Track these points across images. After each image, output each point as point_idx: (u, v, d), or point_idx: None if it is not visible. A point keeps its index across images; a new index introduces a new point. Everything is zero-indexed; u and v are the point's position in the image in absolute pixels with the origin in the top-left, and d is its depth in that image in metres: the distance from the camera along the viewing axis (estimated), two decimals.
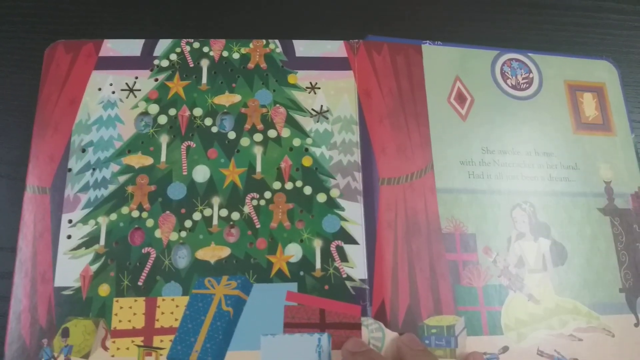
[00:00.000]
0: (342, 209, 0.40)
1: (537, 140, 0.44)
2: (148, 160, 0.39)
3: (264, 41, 0.44)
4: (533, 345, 0.38)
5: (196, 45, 0.43)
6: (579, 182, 0.43)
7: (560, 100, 0.46)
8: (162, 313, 0.36)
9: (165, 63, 0.42)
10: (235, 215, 0.39)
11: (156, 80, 0.41)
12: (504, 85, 0.45)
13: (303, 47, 0.44)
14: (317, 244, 0.39)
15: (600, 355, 0.39)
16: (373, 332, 0.37)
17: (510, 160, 0.43)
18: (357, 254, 0.39)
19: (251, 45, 0.44)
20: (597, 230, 0.42)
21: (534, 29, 0.50)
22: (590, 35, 0.51)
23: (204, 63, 0.43)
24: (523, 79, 0.46)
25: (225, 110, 0.42)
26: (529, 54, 0.47)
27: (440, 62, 0.45)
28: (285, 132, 0.41)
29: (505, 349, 0.38)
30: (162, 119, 0.41)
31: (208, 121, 0.41)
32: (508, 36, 0.49)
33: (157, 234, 0.38)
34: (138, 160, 0.39)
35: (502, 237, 0.41)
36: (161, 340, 0.36)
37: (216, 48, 0.43)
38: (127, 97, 0.41)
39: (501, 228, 0.41)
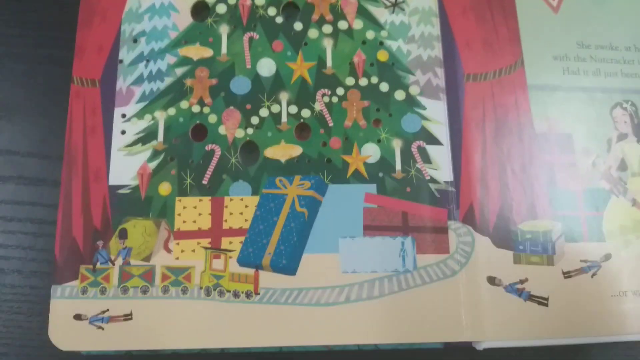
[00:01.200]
0: (424, 108, 0.37)
1: (637, 34, 0.41)
2: (207, 52, 0.37)
3: None
4: (638, 253, 0.36)
5: None
6: None
7: None
8: (231, 213, 0.35)
9: None
10: (306, 113, 0.37)
11: None
12: None
13: None
14: (397, 144, 0.36)
15: None
16: (462, 237, 0.35)
17: (608, 55, 0.40)
18: (441, 155, 0.36)
19: None
20: None
21: None
22: None
23: None
24: None
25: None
26: None
27: None
28: (358, 24, 0.39)
29: (608, 257, 0.36)
30: (221, 8, 0.38)
31: (272, 11, 0.39)
32: None
33: (222, 130, 0.36)
34: (196, 51, 0.37)
35: (602, 138, 0.38)
36: (230, 242, 0.34)
37: None
38: None
39: (600, 128, 0.38)
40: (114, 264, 0.33)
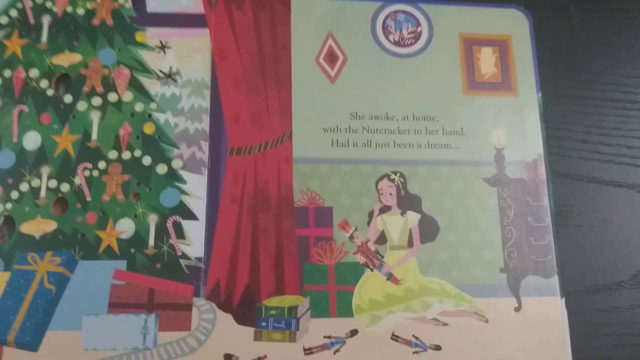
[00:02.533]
0: (184, 182, 0.40)
1: (417, 103, 0.44)
2: None
3: None
4: (388, 329, 0.39)
5: None
6: (463, 149, 0.43)
7: (452, 56, 0.46)
8: None
9: (4, 20, 0.43)
10: (65, 187, 0.40)
11: None
12: (384, 42, 0.45)
13: (155, 2, 0.44)
14: (153, 219, 0.40)
15: (469, 342, 0.39)
16: (204, 313, 0.38)
17: (382, 126, 0.43)
18: (195, 231, 0.40)
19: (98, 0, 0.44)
20: (479, 203, 0.42)
21: None
22: None
23: (46, 19, 0.44)
24: (409, 33, 0.45)
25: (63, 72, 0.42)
26: (420, 5, 0.46)
27: (312, 17, 0.45)
28: (128, 96, 0.42)
29: (354, 333, 0.38)
30: None
31: (44, 83, 0.42)
32: None
33: None
34: None
35: (364, 210, 0.41)
36: None
37: (60, 3, 0.44)
38: None
39: (363, 201, 0.41)
40: None
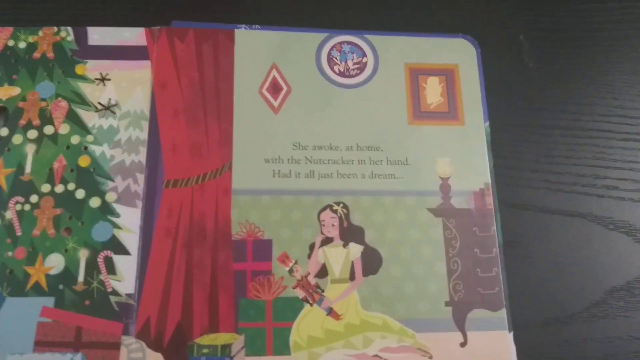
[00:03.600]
0: (117, 215, 0.39)
1: (362, 133, 0.44)
2: None
3: (55, 28, 0.44)
4: None
5: None
6: (407, 179, 0.43)
7: (398, 86, 0.45)
8: None
9: None
10: None
11: None
12: (329, 73, 0.45)
13: (98, 35, 0.44)
14: (83, 254, 0.39)
15: None
16: (133, 352, 0.36)
17: (325, 156, 0.42)
18: (127, 266, 0.39)
19: (40, 33, 0.44)
20: (423, 234, 0.41)
21: (374, 4, 0.49)
22: (445, 9, 0.50)
23: None
24: (354, 64, 0.45)
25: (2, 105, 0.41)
26: (366, 35, 0.46)
27: (256, 48, 0.45)
28: (64, 129, 0.41)
29: None
30: None
31: None
32: (341, 16, 0.48)
33: None
34: None
35: (305, 243, 0.40)
36: None
37: (2, 37, 0.44)
38: None
39: (305, 233, 0.40)
40: None
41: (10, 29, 0.46)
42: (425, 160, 0.45)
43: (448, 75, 0.48)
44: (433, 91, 0.47)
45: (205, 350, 0.38)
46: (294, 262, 0.41)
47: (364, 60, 0.47)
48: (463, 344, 0.40)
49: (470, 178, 0.45)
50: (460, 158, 0.45)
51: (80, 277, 0.39)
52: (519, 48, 0.51)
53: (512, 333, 0.41)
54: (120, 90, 0.44)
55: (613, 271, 0.44)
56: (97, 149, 0.43)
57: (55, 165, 0.42)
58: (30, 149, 0.42)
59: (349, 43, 0.48)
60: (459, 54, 0.48)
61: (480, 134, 0.46)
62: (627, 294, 0.43)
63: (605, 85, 0.50)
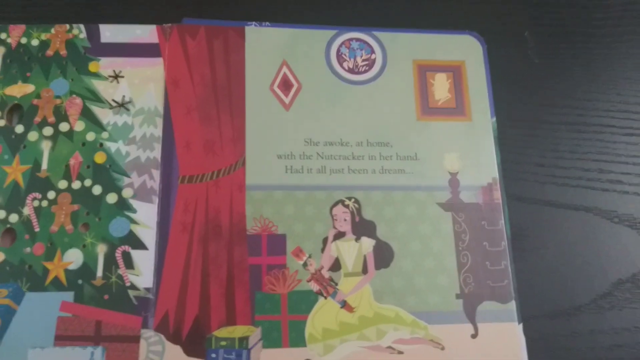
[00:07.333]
0: (134, 211, 0.40)
1: (371, 129, 0.45)
2: None
3: (68, 26, 0.45)
4: (341, 358, 0.39)
5: None
6: (417, 174, 0.44)
7: (406, 82, 0.46)
8: None
9: None
10: (14, 218, 0.40)
11: None
12: (339, 69, 0.46)
13: (110, 32, 0.45)
14: (101, 249, 0.39)
15: None
16: (152, 346, 0.37)
17: (336, 152, 0.44)
18: (145, 261, 0.39)
19: (53, 30, 0.45)
20: (434, 228, 0.42)
21: (382, 1, 0.50)
22: (452, 6, 0.51)
23: (0, 51, 0.44)
24: (363, 60, 0.46)
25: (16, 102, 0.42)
26: (374, 32, 0.47)
27: (266, 45, 0.46)
28: (79, 126, 0.42)
29: None
30: None
31: None
32: (350, 13, 0.49)
33: None
34: None
35: (318, 237, 0.41)
36: None
37: (15, 34, 0.44)
38: None
39: (317, 227, 0.41)
40: None
41: (23, 26, 0.46)
42: (434, 155, 0.46)
43: (455, 72, 0.49)
44: (441, 87, 0.48)
45: (223, 343, 0.39)
46: (307, 255, 0.42)
47: (373, 56, 0.48)
48: (474, 336, 0.42)
49: (478, 173, 0.46)
50: (468, 153, 0.46)
51: (99, 272, 0.40)
52: (525, 44, 0.52)
53: (521, 324, 0.42)
54: (133, 87, 0.45)
55: (618, 263, 0.45)
56: (112, 146, 0.44)
57: (72, 161, 0.43)
58: (46, 146, 0.43)
59: (357, 40, 0.49)
60: (466, 50, 0.50)
61: (488, 129, 0.47)
62: (632, 286, 0.45)
63: (609, 81, 0.51)
